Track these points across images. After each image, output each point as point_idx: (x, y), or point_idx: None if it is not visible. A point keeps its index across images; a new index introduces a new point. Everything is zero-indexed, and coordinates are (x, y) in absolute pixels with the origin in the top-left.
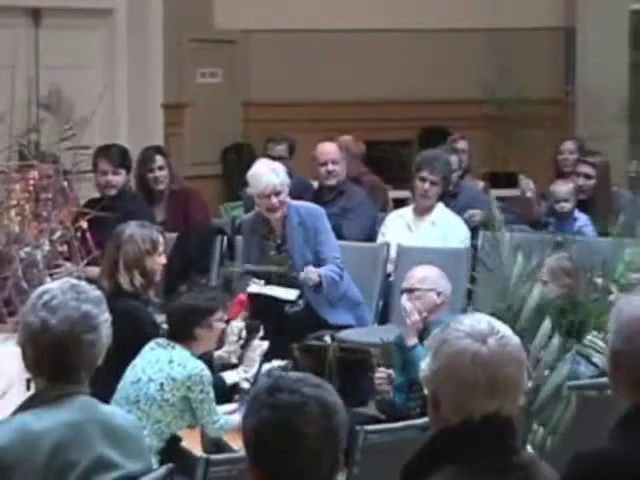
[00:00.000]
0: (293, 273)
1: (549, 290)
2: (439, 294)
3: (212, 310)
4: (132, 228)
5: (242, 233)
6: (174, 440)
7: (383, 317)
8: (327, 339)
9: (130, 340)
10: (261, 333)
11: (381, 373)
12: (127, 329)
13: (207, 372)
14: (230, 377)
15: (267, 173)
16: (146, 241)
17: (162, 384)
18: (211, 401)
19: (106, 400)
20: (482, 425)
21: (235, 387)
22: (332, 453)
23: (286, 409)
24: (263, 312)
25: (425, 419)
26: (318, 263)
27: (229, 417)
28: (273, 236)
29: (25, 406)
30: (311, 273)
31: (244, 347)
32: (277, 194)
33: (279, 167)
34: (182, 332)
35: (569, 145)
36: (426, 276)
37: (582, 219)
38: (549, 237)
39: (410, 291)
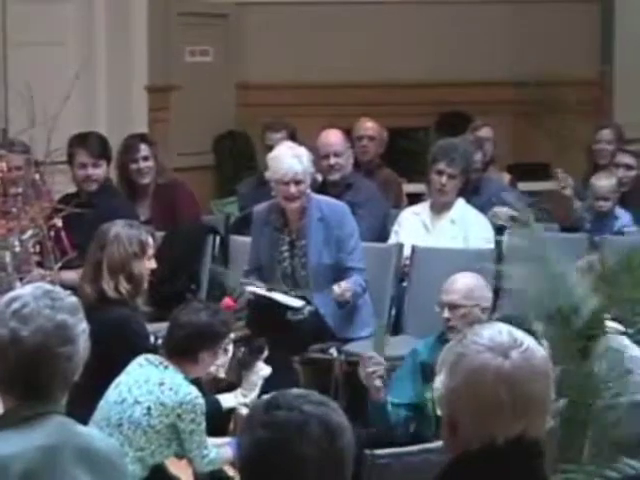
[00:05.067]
0: (306, 309)
1: None
2: (483, 310)
3: (224, 336)
4: (118, 227)
5: (253, 224)
6: (160, 468)
7: (396, 327)
8: (333, 352)
9: (116, 353)
10: (265, 354)
11: (375, 365)
12: (113, 340)
13: (201, 400)
14: (227, 401)
15: (289, 158)
16: (133, 242)
17: (149, 408)
18: (202, 433)
19: (84, 421)
20: (506, 449)
21: (231, 412)
22: (336, 478)
23: (284, 428)
24: (262, 317)
25: (440, 443)
26: (338, 269)
27: (220, 450)
28: (287, 229)
29: None
30: (347, 293)
31: (244, 367)
32: (297, 183)
33: (304, 153)
34: (186, 352)
35: (606, 134)
36: (471, 289)
37: (624, 218)
38: (583, 237)
39: (453, 307)
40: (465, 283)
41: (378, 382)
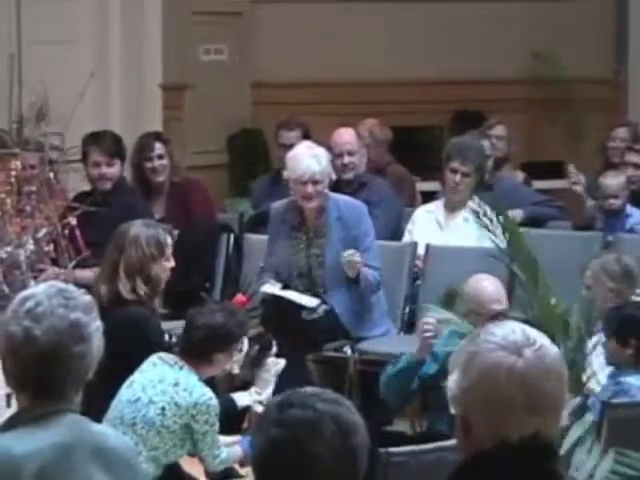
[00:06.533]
0: (320, 308)
1: (593, 295)
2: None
3: (239, 337)
4: (137, 228)
5: (270, 222)
6: (174, 466)
7: (410, 325)
8: (347, 350)
9: (131, 351)
10: (275, 350)
11: (428, 319)
12: (128, 338)
13: (215, 402)
14: (241, 399)
15: (308, 158)
16: (151, 244)
17: (164, 408)
18: (215, 433)
19: (98, 419)
20: (520, 448)
21: (246, 411)
22: (349, 477)
23: (297, 427)
24: (276, 317)
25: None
26: None
27: (231, 449)
28: (305, 228)
29: (6, 426)
30: (355, 256)
31: (256, 365)
32: (315, 182)
33: (322, 153)
34: (201, 352)
35: (622, 132)
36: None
37: (636, 215)
38: (596, 235)
39: (496, 317)
40: (498, 287)
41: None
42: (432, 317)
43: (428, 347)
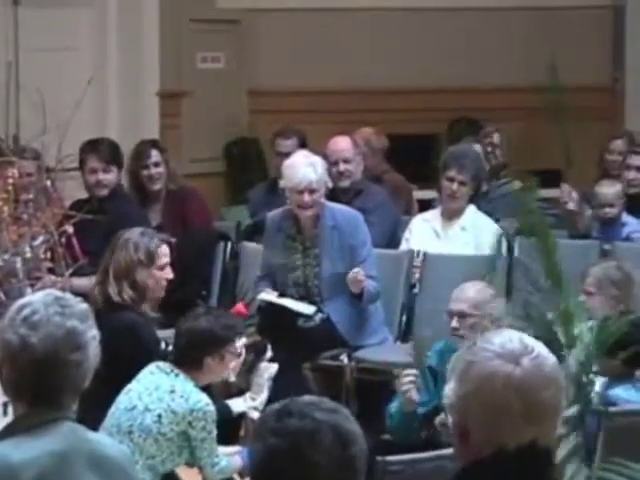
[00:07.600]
0: (317, 316)
1: (594, 303)
2: (493, 322)
3: (227, 340)
4: (130, 234)
5: (266, 230)
6: (171, 475)
7: (407, 334)
8: (343, 358)
9: (127, 359)
10: (269, 354)
11: (408, 376)
12: (124, 346)
13: (212, 408)
14: (236, 405)
15: (304, 167)
16: (140, 250)
17: (160, 415)
18: (213, 441)
19: (95, 427)
20: (517, 456)
21: (242, 418)
22: None
23: (295, 436)
24: (273, 325)
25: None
26: None
27: (230, 459)
28: (301, 237)
29: (3, 434)
30: (360, 275)
31: (251, 371)
32: (311, 191)
33: (319, 162)
34: (190, 359)
35: (619, 145)
36: (482, 300)
37: (632, 224)
38: (593, 244)
39: (462, 316)
40: (475, 292)
41: (414, 394)
42: (410, 371)
43: (412, 401)
